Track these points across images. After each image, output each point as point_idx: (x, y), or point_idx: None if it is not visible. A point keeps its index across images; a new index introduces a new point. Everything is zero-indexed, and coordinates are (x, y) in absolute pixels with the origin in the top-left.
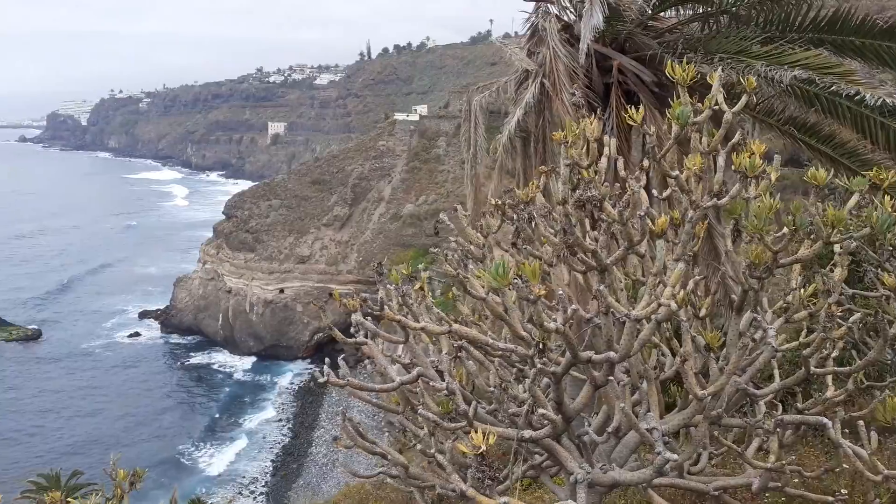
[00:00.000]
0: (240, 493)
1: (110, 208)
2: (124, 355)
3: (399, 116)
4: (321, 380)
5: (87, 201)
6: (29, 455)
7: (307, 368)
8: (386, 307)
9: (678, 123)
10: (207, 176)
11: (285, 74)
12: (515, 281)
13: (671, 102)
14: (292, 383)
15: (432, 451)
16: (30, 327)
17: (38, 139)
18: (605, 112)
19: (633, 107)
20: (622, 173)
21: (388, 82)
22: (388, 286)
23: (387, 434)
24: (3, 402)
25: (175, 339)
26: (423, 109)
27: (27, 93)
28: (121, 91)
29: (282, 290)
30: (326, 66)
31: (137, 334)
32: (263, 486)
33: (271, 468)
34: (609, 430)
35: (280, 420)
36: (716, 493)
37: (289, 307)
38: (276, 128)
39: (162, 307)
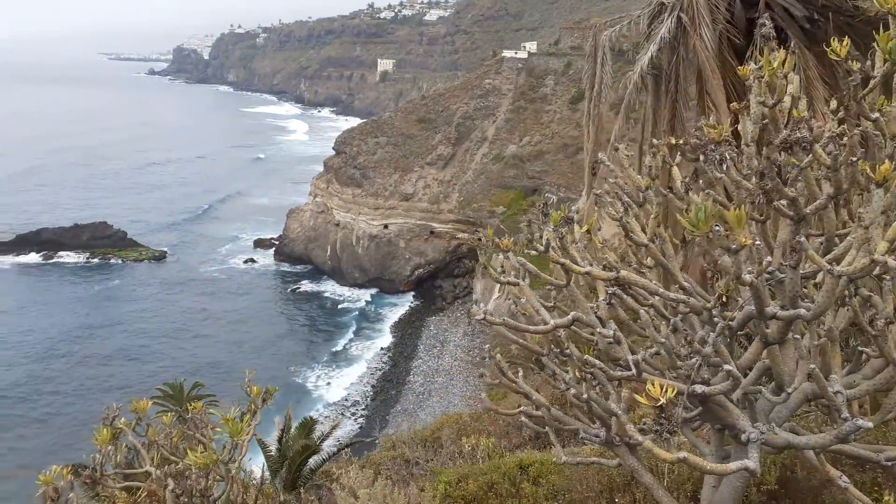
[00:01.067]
0: (342, 414)
1: (234, 140)
2: (240, 280)
3: (507, 54)
4: (478, 316)
5: (212, 133)
6: (152, 370)
7: (409, 302)
8: (551, 249)
9: (890, 58)
10: (319, 112)
11: (395, 10)
12: (717, 228)
13: (823, 40)
14: (395, 315)
15: (585, 396)
16: (157, 249)
17: (165, 72)
18: (748, 50)
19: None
20: (804, 114)
21: (497, 18)
22: (548, 227)
23: (521, 373)
24: (132, 319)
25: (286, 267)
26: (532, 46)
27: (156, 28)
28: (239, 26)
29: (386, 226)
30: (436, 1)
31: (252, 261)
32: (363, 410)
33: (371, 393)
34: (789, 390)
35: (381, 349)
36: (888, 463)
37: (392, 242)
38: (384, 65)
39: (275, 236)
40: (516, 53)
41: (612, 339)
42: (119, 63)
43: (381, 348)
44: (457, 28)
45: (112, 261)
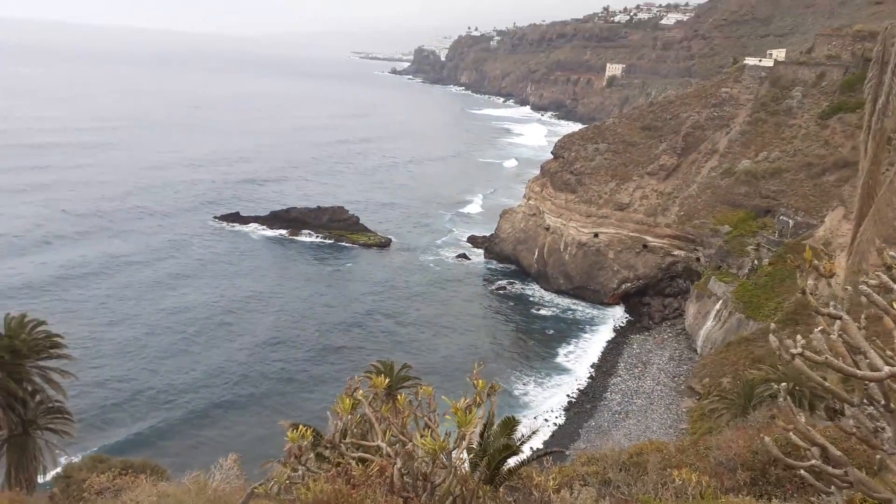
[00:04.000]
0: (535, 418)
1: (466, 141)
2: (452, 273)
3: (749, 61)
4: (793, 350)
5: (447, 134)
6: (369, 348)
7: (613, 315)
8: None
9: None
10: (542, 115)
11: (630, 14)
12: None
13: None
14: (596, 327)
15: None
16: (384, 236)
17: (405, 71)
18: None
19: None
20: None
21: (742, 23)
22: None
23: (803, 418)
24: (358, 300)
25: (494, 265)
26: (779, 54)
27: (399, 26)
28: (476, 29)
29: (596, 235)
30: (675, 4)
31: (465, 257)
32: (556, 418)
33: (566, 403)
34: None
35: (579, 360)
36: None
37: (601, 252)
38: (613, 69)
39: (487, 234)
40: (760, 61)
41: None
42: (367, 61)
43: (580, 360)
44: (695, 33)
45: (343, 244)
